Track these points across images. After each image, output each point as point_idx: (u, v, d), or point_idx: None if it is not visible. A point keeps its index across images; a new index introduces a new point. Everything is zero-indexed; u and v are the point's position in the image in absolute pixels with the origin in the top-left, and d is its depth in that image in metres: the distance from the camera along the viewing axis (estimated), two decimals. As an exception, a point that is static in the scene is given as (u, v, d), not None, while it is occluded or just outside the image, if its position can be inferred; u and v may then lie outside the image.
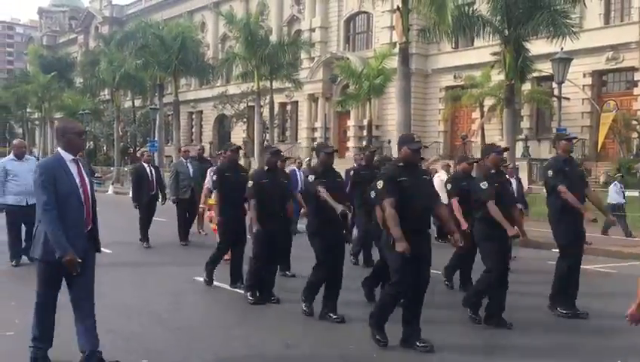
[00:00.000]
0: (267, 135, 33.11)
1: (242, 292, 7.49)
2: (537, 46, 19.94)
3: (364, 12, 37.92)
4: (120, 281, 8.03)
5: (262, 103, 32.31)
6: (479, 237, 6.30)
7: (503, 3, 17.90)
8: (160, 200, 11.60)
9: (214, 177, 8.09)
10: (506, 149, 7.00)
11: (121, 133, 43.62)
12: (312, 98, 39.34)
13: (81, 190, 4.42)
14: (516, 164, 16.00)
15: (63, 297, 4.59)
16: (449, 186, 8.04)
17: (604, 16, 28.54)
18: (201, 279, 8.39)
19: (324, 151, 6.39)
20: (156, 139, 34.00)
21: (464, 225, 7.21)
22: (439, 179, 11.27)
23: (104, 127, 46.94)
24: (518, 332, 5.96)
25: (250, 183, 6.93)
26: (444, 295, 7.21)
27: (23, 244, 9.14)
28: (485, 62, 26.18)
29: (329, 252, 6.20)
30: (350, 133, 37.01)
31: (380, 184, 5.26)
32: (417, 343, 5.29)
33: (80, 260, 4.31)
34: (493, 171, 6.25)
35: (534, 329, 6.11)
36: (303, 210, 7.70)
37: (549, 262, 10.15)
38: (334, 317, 6.19)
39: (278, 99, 37.70)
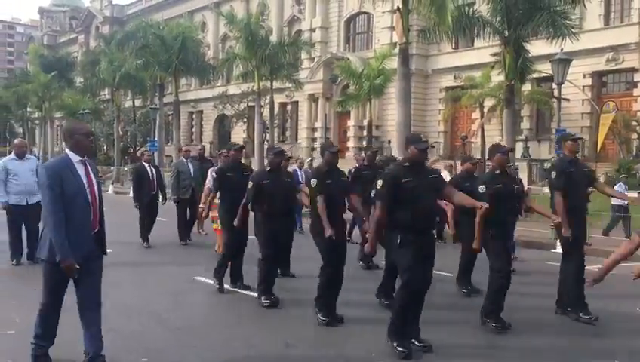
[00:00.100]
0: (267, 135, 33.12)
1: (242, 291, 7.53)
2: (537, 47, 19.96)
3: (365, 12, 37.96)
4: (120, 281, 8.04)
5: (262, 103, 32.32)
6: (485, 237, 6.20)
7: (503, 4, 17.91)
8: (160, 200, 11.61)
9: (214, 175, 8.02)
10: (511, 150, 6.97)
11: (121, 133, 43.64)
12: (313, 98, 39.37)
13: (88, 191, 4.38)
14: (516, 164, 16.01)
15: (69, 298, 4.59)
16: None
17: (604, 17, 28.58)
18: (202, 279, 8.41)
19: (329, 151, 6.36)
20: (156, 138, 34.00)
21: (451, 230, 7.21)
22: None
23: (104, 126, 46.97)
24: (518, 333, 5.97)
25: (250, 184, 6.91)
26: (444, 296, 7.22)
27: (25, 249, 9.17)
28: (485, 63, 26.21)
29: (334, 251, 6.19)
30: (350, 133, 37.05)
31: (379, 184, 5.26)
32: (416, 343, 5.30)
33: (78, 266, 4.27)
34: (497, 172, 6.23)
35: (534, 330, 6.11)
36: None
37: (548, 263, 10.20)
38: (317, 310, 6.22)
39: (279, 99, 37.73)
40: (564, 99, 17.75)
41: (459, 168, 12.49)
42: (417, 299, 5.33)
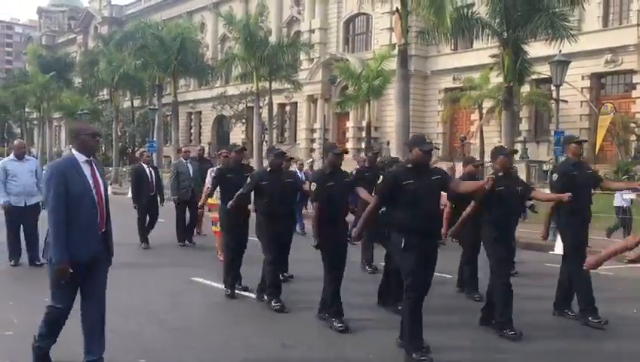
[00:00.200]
0: (266, 136, 33.13)
1: (240, 292, 7.51)
2: (536, 48, 19.99)
3: (364, 13, 37.99)
4: (118, 281, 7.99)
5: (261, 104, 32.33)
6: (486, 239, 6.22)
7: (502, 5, 17.95)
8: (159, 201, 11.61)
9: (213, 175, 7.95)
10: (515, 151, 6.93)
11: (119, 134, 43.64)
12: (311, 99, 39.39)
13: (94, 191, 4.35)
14: (514, 166, 16.01)
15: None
16: None
17: (602, 19, 28.64)
18: (200, 280, 8.41)
19: (333, 152, 6.34)
20: (155, 139, 33.97)
21: (444, 229, 7.19)
22: None
23: (103, 127, 46.89)
24: (524, 337, 5.89)
25: (248, 180, 6.90)
26: (442, 298, 7.22)
27: (25, 252, 9.15)
28: (484, 64, 26.25)
29: (335, 254, 6.17)
30: (349, 134, 37.07)
31: (380, 179, 5.32)
32: None
33: (72, 271, 4.23)
34: (500, 174, 6.16)
35: (534, 332, 6.06)
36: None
37: (547, 265, 10.21)
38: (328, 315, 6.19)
39: (277, 100, 37.74)
40: (563, 100, 17.78)
41: (458, 169, 12.50)
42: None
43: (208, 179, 9.87)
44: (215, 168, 9.70)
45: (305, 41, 36.50)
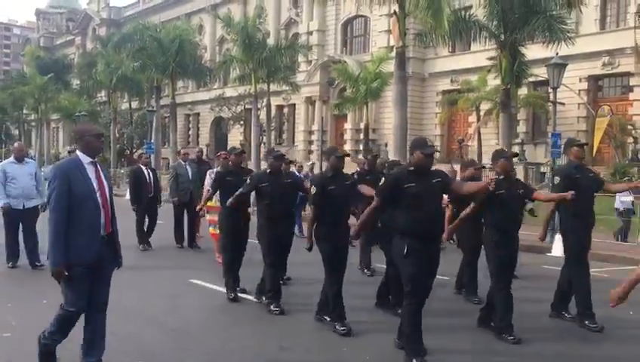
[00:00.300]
0: (264, 138, 33.16)
1: (238, 294, 7.52)
2: (533, 51, 20.05)
3: (362, 16, 38.02)
4: (117, 283, 7.97)
5: (259, 106, 32.37)
6: (488, 243, 6.19)
7: (499, 8, 17.99)
8: (157, 202, 11.62)
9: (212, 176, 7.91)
10: (515, 155, 6.88)
11: (117, 135, 43.62)
12: (310, 101, 39.43)
13: (98, 193, 4.31)
14: (514, 168, 16.06)
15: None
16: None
17: (599, 22, 28.71)
18: (198, 281, 8.43)
19: (335, 155, 6.30)
20: (153, 141, 33.97)
21: (446, 236, 7.19)
22: None
23: (101, 128, 46.90)
24: (527, 344, 5.87)
25: (247, 181, 6.90)
26: (441, 301, 7.23)
27: (23, 254, 9.15)
28: (482, 67, 26.30)
29: (335, 257, 6.15)
30: (347, 136, 37.11)
31: (381, 182, 5.27)
32: None
33: (67, 273, 4.20)
34: (501, 177, 6.14)
35: (533, 335, 6.07)
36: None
37: (544, 267, 10.25)
38: (329, 319, 6.19)
39: (276, 101, 37.78)
40: (560, 103, 17.81)
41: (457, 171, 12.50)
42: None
43: (207, 181, 9.86)
44: (214, 170, 9.71)
45: (303, 43, 36.54)
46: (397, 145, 20.42)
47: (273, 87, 32.75)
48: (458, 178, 9.66)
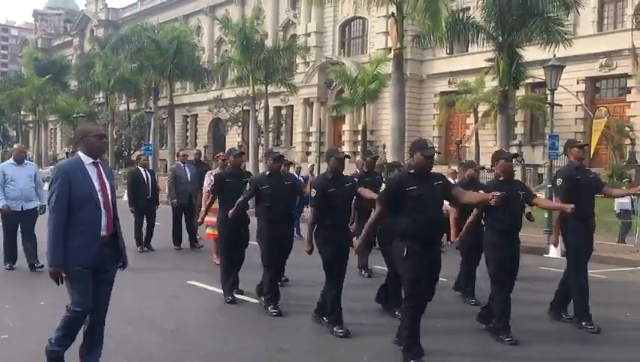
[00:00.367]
0: (262, 139, 33.15)
1: (236, 296, 7.52)
2: (531, 52, 20.09)
3: (360, 17, 38.08)
4: (115, 284, 8.00)
5: (257, 107, 32.37)
6: (487, 245, 6.17)
7: (497, 10, 18.03)
8: (155, 204, 11.61)
9: (212, 180, 7.84)
10: (515, 156, 6.73)
11: (115, 137, 43.57)
12: (307, 102, 39.45)
13: (100, 194, 4.28)
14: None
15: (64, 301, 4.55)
16: None
17: (597, 24, 28.78)
18: (195, 283, 8.43)
19: (335, 157, 6.24)
20: (151, 142, 33.94)
21: (453, 237, 7.20)
22: None
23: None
24: (523, 346, 5.88)
25: (247, 186, 6.86)
26: (442, 304, 7.22)
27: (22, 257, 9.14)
28: (480, 68, 26.35)
29: (336, 260, 6.13)
30: (345, 137, 37.14)
31: (382, 187, 5.19)
32: None
33: (64, 274, 4.18)
34: (501, 178, 6.13)
35: (531, 337, 6.08)
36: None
37: (542, 268, 10.27)
38: (327, 321, 6.19)
39: (273, 103, 37.78)
40: (557, 105, 17.84)
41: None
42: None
43: (206, 183, 9.86)
44: (212, 172, 9.71)
45: (301, 45, 36.55)
46: (395, 146, 20.45)
47: (271, 89, 32.76)
48: (457, 179, 9.68)
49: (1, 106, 57.08)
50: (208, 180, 9.68)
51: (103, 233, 4.32)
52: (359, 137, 33.57)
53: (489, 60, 21.03)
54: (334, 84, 33.92)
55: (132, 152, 43.76)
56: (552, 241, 6.96)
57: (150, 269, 9.70)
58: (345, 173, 6.46)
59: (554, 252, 12.45)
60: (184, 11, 51.72)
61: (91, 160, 4.34)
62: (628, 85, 27.55)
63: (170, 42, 34.88)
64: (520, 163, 25.88)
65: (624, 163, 24.30)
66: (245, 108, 37.05)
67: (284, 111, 43.02)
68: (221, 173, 8.05)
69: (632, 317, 7.23)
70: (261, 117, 33.22)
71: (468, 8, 26.48)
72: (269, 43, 35.48)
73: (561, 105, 25.46)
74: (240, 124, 39.96)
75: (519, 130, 30.90)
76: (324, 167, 6.95)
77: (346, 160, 6.43)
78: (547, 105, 22.15)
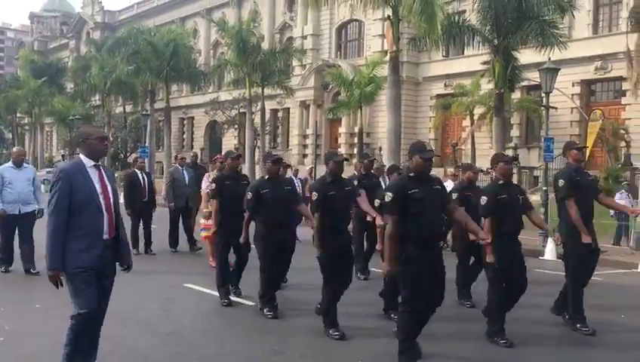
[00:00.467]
0: (258, 142, 33.15)
1: (233, 298, 7.53)
2: (527, 55, 20.15)
3: (356, 20, 38.10)
4: (110, 288, 8.05)
5: (253, 110, 32.37)
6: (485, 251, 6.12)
7: (493, 13, 18.08)
8: (152, 207, 11.61)
9: (212, 185, 7.78)
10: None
11: (111, 139, 43.47)
12: (304, 105, 39.46)
13: (101, 197, 4.24)
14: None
15: (61, 303, 4.55)
16: (454, 196, 7.81)
17: (592, 27, 28.87)
18: (192, 286, 8.43)
19: (334, 160, 6.21)
20: (147, 145, 33.93)
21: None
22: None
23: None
24: (514, 345, 5.91)
25: (249, 195, 6.75)
26: (442, 307, 7.24)
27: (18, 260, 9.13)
28: (476, 71, 26.38)
29: (334, 265, 6.08)
30: (341, 140, 37.14)
31: (388, 196, 5.00)
32: None
33: (63, 278, 4.15)
34: (501, 182, 6.10)
35: (529, 341, 6.09)
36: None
37: (537, 271, 10.28)
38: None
39: (270, 105, 37.79)
40: (552, 107, 17.86)
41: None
42: (421, 318, 5.21)
43: (204, 185, 9.86)
44: (210, 174, 9.72)
45: (297, 47, 36.58)
46: (391, 149, 20.48)
47: (267, 91, 32.76)
48: (456, 182, 9.67)
49: (-3, 109, 56.98)
50: (206, 183, 9.70)
51: (105, 236, 4.29)
52: (355, 140, 33.61)
53: (485, 63, 21.04)
54: (331, 86, 33.96)
55: (128, 155, 43.70)
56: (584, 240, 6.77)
57: (146, 272, 9.67)
58: (342, 175, 6.46)
59: (549, 254, 12.53)
60: (181, 14, 51.69)
61: (93, 162, 4.31)
62: (623, 88, 27.61)
63: (166, 45, 34.86)
64: (516, 165, 25.94)
65: (619, 165, 24.35)
66: (242, 110, 37.05)
67: (280, 114, 43.03)
68: (220, 176, 8.02)
69: (626, 320, 7.26)
70: (257, 119, 33.23)
71: (464, 11, 26.59)
72: (265, 45, 35.52)
73: (556, 108, 25.49)
74: (236, 126, 39.96)
75: (515, 132, 30.96)
76: (320, 170, 6.97)
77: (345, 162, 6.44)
78: (542, 108, 22.26)
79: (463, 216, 5.49)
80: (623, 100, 27.57)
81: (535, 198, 16.28)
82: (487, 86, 24.40)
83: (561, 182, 6.53)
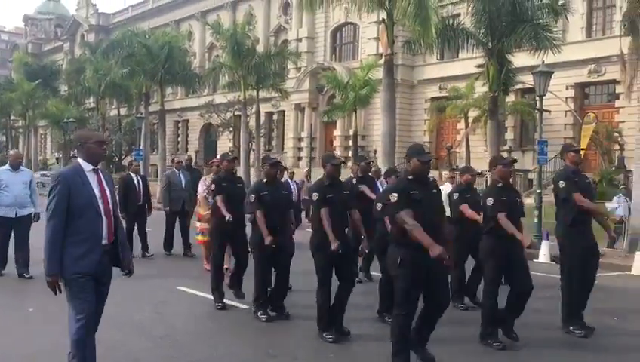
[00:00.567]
0: (253, 144, 33.14)
1: (227, 302, 7.52)
2: (521, 58, 20.22)
3: (351, 23, 38.18)
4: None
5: (248, 113, 32.36)
6: (484, 253, 6.15)
7: (487, 16, 18.15)
8: (147, 210, 11.58)
9: (212, 187, 7.76)
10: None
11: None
12: (299, 108, 39.49)
13: (100, 201, 4.20)
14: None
15: (56, 306, 4.54)
16: (456, 195, 7.85)
17: (586, 30, 29.01)
18: (185, 289, 8.41)
19: (332, 163, 6.19)
20: (142, 147, 33.85)
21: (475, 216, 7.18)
22: (443, 191, 10.97)
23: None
24: (510, 349, 5.93)
25: (252, 197, 6.73)
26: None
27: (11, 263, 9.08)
28: (470, 74, 26.46)
29: (331, 268, 6.07)
30: (336, 142, 37.18)
31: (394, 197, 4.94)
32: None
33: (61, 283, 4.11)
34: (500, 185, 6.10)
35: (527, 344, 6.09)
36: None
37: (531, 273, 10.28)
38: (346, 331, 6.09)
39: (265, 108, 37.76)
40: (546, 110, 17.95)
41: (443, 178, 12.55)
42: (429, 322, 5.18)
43: (201, 189, 9.85)
44: (207, 178, 9.72)
45: (292, 50, 36.58)
46: (386, 151, 20.51)
47: (262, 94, 32.76)
48: (453, 185, 9.66)
49: (-9, 111, 56.74)
50: (203, 186, 9.70)
51: (104, 241, 4.24)
52: (350, 143, 33.65)
53: (479, 66, 21.11)
54: (325, 89, 34.00)
55: (123, 158, 43.61)
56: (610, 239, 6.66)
57: (139, 275, 9.55)
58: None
59: (543, 257, 12.56)
60: (175, 16, 51.67)
61: (91, 166, 4.27)
62: (616, 91, 27.74)
63: (161, 47, 34.81)
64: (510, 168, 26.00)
65: (613, 168, 24.47)
66: (236, 113, 37.03)
67: (275, 117, 43.03)
68: (217, 178, 7.94)
69: (619, 322, 7.29)
70: (252, 122, 33.21)
71: (458, 14, 26.67)
72: (260, 48, 35.51)
73: (549, 111, 25.62)
74: (231, 129, 39.95)
75: (509, 135, 31.06)
76: (314, 172, 6.96)
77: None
78: (536, 111, 22.35)
79: (448, 233, 5.46)
80: (617, 103, 27.70)
81: (529, 201, 16.33)
82: (481, 89, 24.47)
83: (562, 183, 6.51)
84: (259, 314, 6.76)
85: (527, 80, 21.37)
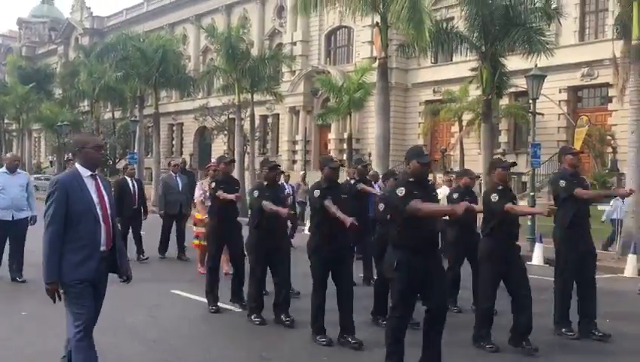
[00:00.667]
0: (248, 147, 33.13)
1: (221, 305, 7.52)
2: (514, 62, 20.30)
3: (345, 26, 38.26)
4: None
5: (243, 116, 32.32)
6: (483, 254, 6.15)
7: (480, 20, 18.21)
8: (142, 215, 11.57)
9: (212, 185, 7.74)
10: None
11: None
12: (293, 111, 39.52)
13: (98, 207, 4.16)
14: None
15: (51, 309, 4.50)
16: (456, 195, 7.82)
17: (579, 34, 29.16)
18: (179, 292, 8.41)
19: (330, 166, 6.18)
20: (136, 151, 33.78)
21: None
22: (441, 194, 11.01)
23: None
24: (506, 353, 5.94)
25: (255, 193, 6.72)
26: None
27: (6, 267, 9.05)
28: (464, 78, 26.56)
29: (327, 272, 6.05)
30: (331, 146, 37.22)
31: (401, 191, 4.85)
32: None
33: (61, 291, 4.09)
34: (500, 187, 6.10)
35: (517, 348, 6.11)
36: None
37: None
38: (353, 341, 5.96)
39: (259, 111, 37.79)
40: (539, 113, 18.01)
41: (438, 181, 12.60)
42: (436, 325, 5.12)
43: (198, 193, 9.86)
44: (203, 182, 9.75)
45: (287, 54, 36.57)
46: (380, 154, 20.54)
47: (257, 97, 32.74)
48: (451, 188, 9.70)
49: (-15, 115, 56.49)
50: (199, 191, 9.71)
51: (102, 248, 4.20)
52: (345, 146, 33.68)
53: (473, 70, 21.18)
54: (320, 92, 34.01)
55: (117, 161, 43.51)
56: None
57: (134, 278, 9.56)
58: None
59: (537, 259, 12.62)
60: (170, 20, 51.65)
61: (89, 172, 4.23)
62: (609, 94, 27.88)
63: (155, 51, 34.74)
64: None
65: (606, 171, 24.60)
66: (231, 116, 37.04)
67: (270, 120, 43.06)
68: (217, 180, 7.90)
69: (611, 324, 7.31)
70: (247, 125, 33.18)
71: (452, 18, 26.75)
72: (254, 52, 35.50)
73: (543, 114, 25.74)
74: (226, 132, 39.91)
75: (503, 138, 31.17)
76: (310, 175, 6.97)
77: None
78: (530, 114, 22.44)
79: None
80: (610, 106, 27.84)
81: (523, 204, 16.38)
82: (475, 92, 24.54)
83: (562, 182, 6.50)
84: (253, 317, 6.77)
85: (521, 83, 21.47)
